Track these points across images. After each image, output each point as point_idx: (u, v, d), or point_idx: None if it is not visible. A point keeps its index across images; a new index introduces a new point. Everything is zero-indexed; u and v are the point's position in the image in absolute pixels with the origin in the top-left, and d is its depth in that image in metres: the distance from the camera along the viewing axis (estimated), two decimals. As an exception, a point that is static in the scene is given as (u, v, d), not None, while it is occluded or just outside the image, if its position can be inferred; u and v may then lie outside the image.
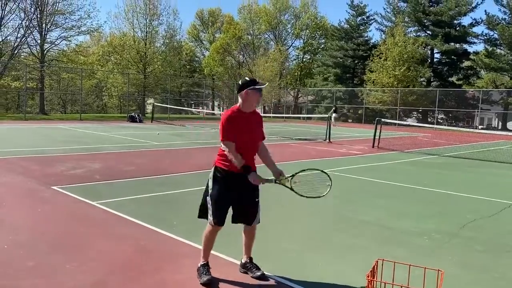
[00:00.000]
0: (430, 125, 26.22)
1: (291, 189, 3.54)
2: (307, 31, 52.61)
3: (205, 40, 61.52)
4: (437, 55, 42.24)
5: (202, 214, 3.62)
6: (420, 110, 38.69)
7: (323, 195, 3.52)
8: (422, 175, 9.79)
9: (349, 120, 41.34)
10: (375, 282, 2.37)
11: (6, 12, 30.43)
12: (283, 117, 38.56)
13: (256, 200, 3.62)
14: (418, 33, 41.94)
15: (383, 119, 17.71)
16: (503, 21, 36.99)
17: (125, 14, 38.34)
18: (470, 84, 41.24)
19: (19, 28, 31.32)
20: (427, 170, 10.54)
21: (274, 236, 4.72)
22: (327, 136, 17.12)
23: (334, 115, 31.83)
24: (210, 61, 51.99)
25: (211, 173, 3.59)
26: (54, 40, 33.78)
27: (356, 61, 44.84)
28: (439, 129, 28.92)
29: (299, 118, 39.48)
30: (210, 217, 3.51)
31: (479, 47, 66.13)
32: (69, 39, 34.43)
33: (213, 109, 57.08)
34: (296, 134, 21.14)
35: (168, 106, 32.73)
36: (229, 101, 50.88)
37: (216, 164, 3.56)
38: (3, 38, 31.93)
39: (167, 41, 40.91)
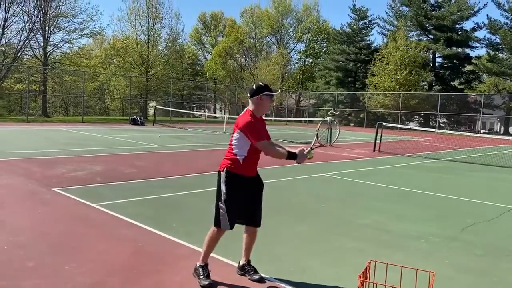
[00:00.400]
0: (432, 129, 26.19)
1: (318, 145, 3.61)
2: (309, 34, 52.68)
3: (207, 44, 61.69)
4: (439, 59, 42.28)
5: (217, 221, 3.54)
6: (422, 114, 38.67)
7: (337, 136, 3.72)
8: (423, 179, 9.79)
9: (351, 124, 41.34)
10: (367, 283, 2.39)
11: (9, 14, 30.60)
12: (284, 120, 38.59)
13: (262, 202, 3.71)
14: (420, 37, 41.96)
15: (384, 123, 17.72)
16: (505, 25, 37.00)
17: (127, 17, 38.52)
18: (472, 88, 41.23)
19: (22, 31, 31.48)
20: (428, 174, 10.54)
21: (272, 239, 4.74)
22: (328, 139, 17.13)
23: (329, 118, 31.87)
24: (212, 65, 52.09)
25: (223, 177, 3.53)
26: (57, 43, 33.95)
27: (358, 65, 44.87)
28: (440, 133, 28.89)
29: (300, 121, 39.51)
30: (224, 222, 3.47)
31: (481, 51, 66.15)
32: (72, 42, 34.59)
33: (215, 112, 57.09)
34: (297, 137, 21.16)
35: (170, 109, 32.76)
36: (231, 105, 50.97)
37: (228, 169, 3.53)
38: (7, 40, 32.10)
39: (170, 44, 41.04)
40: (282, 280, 3.63)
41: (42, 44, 32.65)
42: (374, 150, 15.20)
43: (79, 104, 44.71)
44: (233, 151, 3.53)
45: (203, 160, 11.09)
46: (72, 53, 35.96)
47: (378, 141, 15.45)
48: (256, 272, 3.64)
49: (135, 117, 27.95)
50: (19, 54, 32.76)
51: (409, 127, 30.16)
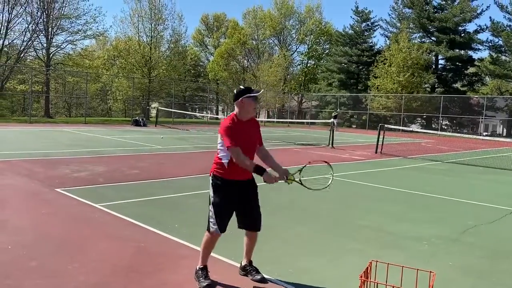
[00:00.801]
0: (434, 131, 26.20)
1: (301, 183, 3.55)
2: (312, 36, 52.74)
3: (209, 45, 61.85)
4: (441, 61, 42.28)
5: (208, 225, 3.59)
6: (424, 116, 38.65)
7: (328, 186, 3.58)
8: (424, 181, 9.79)
9: (353, 126, 41.33)
10: (368, 282, 2.40)
11: (13, 16, 30.76)
12: (286, 122, 38.60)
13: (258, 205, 3.67)
14: (423, 39, 41.99)
15: (387, 125, 17.72)
16: (508, 27, 36.97)
17: (130, 18, 38.66)
18: (475, 90, 41.19)
19: (25, 32, 31.65)
20: (430, 176, 10.54)
21: (273, 240, 4.75)
22: (330, 141, 17.14)
23: (334, 121, 31.90)
24: (214, 66, 52.21)
25: (210, 182, 3.61)
26: (60, 44, 34.09)
27: (360, 67, 44.89)
28: (443, 136, 28.87)
29: (302, 123, 39.51)
30: (212, 226, 3.50)
31: (484, 53, 66.05)
32: (74, 43, 34.75)
33: (217, 114, 57.15)
34: (299, 139, 21.17)
35: (172, 110, 32.86)
36: (233, 106, 50.97)
37: (214, 173, 3.57)
38: (10, 41, 32.26)
39: (172, 45, 41.15)
40: (282, 280, 3.65)
41: (45, 45, 32.80)
42: (376, 152, 15.20)
43: (81, 105, 44.83)
44: (219, 155, 3.55)
45: (205, 161, 11.11)
46: (75, 54, 36.09)
47: (380, 143, 15.45)
48: (258, 272, 3.65)
49: (137, 118, 28.02)
50: (22, 55, 32.92)
51: (411, 129, 30.16)
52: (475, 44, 40.23)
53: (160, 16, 38.45)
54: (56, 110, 45.47)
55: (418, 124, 41.12)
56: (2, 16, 30.34)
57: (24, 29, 31.60)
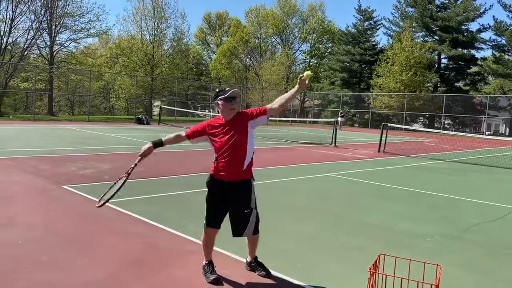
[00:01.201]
0: (437, 130, 26.22)
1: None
2: (314, 35, 52.70)
3: (212, 43, 61.86)
4: (444, 61, 42.19)
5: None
6: (427, 115, 38.62)
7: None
8: (427, 179, 9.84)
9: (356, 125, 41.34)
10: (377, 274, 2.47)
11: (16, 14, 30.87)
12: (289, 121, 38.65)
13: (246, 211, 3.56)
14: (426, 38, 41.90)
15: (389, 124, 17.75)
16: (511, 27, 36.88)
17: (133, 17, 38.74)
18: (478, 90, 41.11)
19: (29, 30, 31.76)
20: (433, 175, 10.58)
21: (279, 237, 4.82)
22: (333, 140, 17.19)
23: (340, 119, 31.97)
24: (217, 64, 52.23)
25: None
26: (63, 42, 34.21)
27: (363, 66, 44.86)
28: (445, 135, 28.88)
29: (305, 122, 39.55)
30: (204, 221, 3.63)
31: (487, 53, 65.85)
32: (78, 41, 34.86)
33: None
34: (302, 138, 21.22)
35: (175, 108, 32.92)
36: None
37: (210, 172, 3.68)
38: (14, 39, 32.38)
39: (175, 44, 41.21)
40: (288, 275, 3.71)
41: (48, 43, 32.91)
42: (379, 151, 15.24)
43: (84, 103, 44.98)
44: (213, 157, 3.66)
45: (207, 160, 11.15)
46: (78, 52, 36.21)
47: (383, 142, 15.49)
48: (263, 267, 3.73)
49: (140, 116, 28.12)
50: (25, 53, 33.04)
51: (414, 128, 30.17)
52: (478, 43, 40.14)
53: (163, 15, 38.54)
54: (59, 108, 45.63)
55: (420, 123, 41.09)
56: (6, 14, 30.49)
57: (28, 27, 31.75)
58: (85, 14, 33.64)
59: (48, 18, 32.00)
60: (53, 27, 32.44)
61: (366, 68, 44.41)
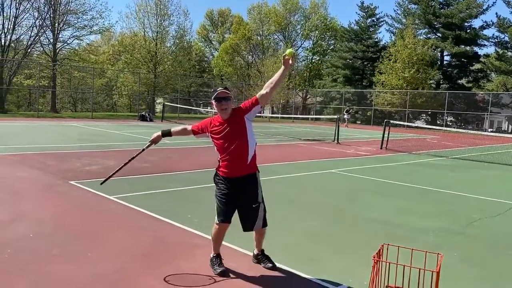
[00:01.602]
0: (439, 127, 26.22)
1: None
2: (317, 32, 52.69)
3: (214, 41, 61.89)
4: (447, 58, 42.17)
5: None
6: (429, 113, 38.63)
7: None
8: (430, 176, 9.91)
9: (358, 122, 41.37)
10: (380, 262, 2.56)
11: (20, 11, 30.98)
12: (291, 118, 38.71)
13: (254, 205, 3.66)
14: (428, 35, 41.85)
15: (391, 121, 17.81)
16: (514, 23, 36.80)
17: (136, 14, 38.80)
18: (480, 87, 41.08)
19: (32, 27, 31.88)
20: (435, 171, 10.66)
21: (283, 231, 4.91)
22: (336, 137, 17.26)
23: (346, 116, 32.05)
24: (219, 62, 52.30)
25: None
26: (66, 39, 34.33)
27: (365, 63, 44.85)
28: (448, 132, 28.90)
29: (307, 119, 39.61)
30: (215, 217, 3.70)
31: (490, 49, 65.82)
32: (81, 38, 34.98)
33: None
34: (304, 135, 21.30)
35: (178, 105, 33.04)
36: (238, 102, 51.16)
37: (216, 169, 3.78)
38: (17, 37, 32.51)
39: (177, 41, 41.27)
40: (293, 268, 3.81)
41: (51, 40, 33.04)
42: (381, 148, 15.31)
43: (87, 100, 45.13)
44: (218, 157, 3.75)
45: (211, 156, 11.23)
46: (80, 50, 36.32)
47: (385, 138, 15.56)
48: (269, 260, 3.82)
49: (143, 113, 28.25)
50: (29, 50, 33.16)
51: (416, 125, 30.19)
52: (481, 40, 40.07)
53: (165, 12, 38.61)
54: (62, 105, 45.78)
55: (423, 120, 41.10)
56: (10, 12, 30.60)
57: (31, 25, 31.89)
58: (88, 11, 33.80)
59: (51, 15, 32.12)
60: (56, 24, 32.56)
61: (369, 65, 44.40)
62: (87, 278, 3.42)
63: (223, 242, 3.89)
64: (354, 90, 42.71)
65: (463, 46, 39.67)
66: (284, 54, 3.55)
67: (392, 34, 44.91)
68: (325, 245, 4.55)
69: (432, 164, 12.08)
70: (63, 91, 44.18)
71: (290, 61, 3.53)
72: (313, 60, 54.49)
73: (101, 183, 4.04)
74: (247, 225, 3.70)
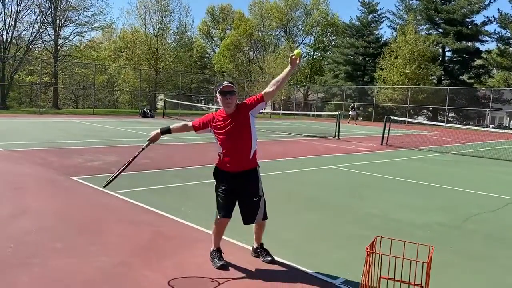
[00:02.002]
0: (440, 123, 26.25)
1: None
2: (318, 28, 52.57)
3: (215, 37, 61.81)
4: (448, 53, 42.07)
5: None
6: (431, 109, 38.59)
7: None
8: (429, 171, 9.96)
9: (359, 118, 41.37)
10: (374, 254, 2.62)
11: (21, 7, 30.98)
12: (292, 114, 38.72)
13: (255, 199, 3.74)
14: (430, 31, 41.76)
15: (392, 117, 17.83)
16: (516, 19, 36.68)
17: (137, 10, 38.80)
18: (482, 83, 40.99)
19: (34, 24, 31.88)
20: (434, 167, 10.70)
21: (283, 226, 4.97)
22: (336, 133, 17.30)
23: (352, 113, 32.06)
24: (220, 58, 52.24)
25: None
26: (67, 36, 34.34)
27: (366, 59, 44.79)
28: (448, 127, 28.91)
29: (308, 115, 39.62)
30: (216, 212, 3.76)
31: (491, 45, 65.52)
32: (82, 35, 34.98)
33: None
34: (305, 131, 21.34)
35: (179, 102, 33.06)
36: (239, 98, 51.08)
37: (215, 164, 3.83)
38: (19, 33, 32.52)
39: (178, 37, 41.25)
40: (292, 262, 3.87)
41: (53, 37, 33.04)
42: (382, 144, 15.35)
43: (88, 96, 45.20)
44: (217, 150, 3.79)
45: (212, 152, 11.31)
46: (82, 46, 36.34)
47: (386, 134, 15.59)
48: (268, 254, 3.88)
49: (145, 109, 28.29)
50: (30, 46, 33.20)
51: (417, 121, 30.19)
52: (482, 36, 39.95)
53: (166, 8, 38.55)
54: (63, 102, 45.85)
55: (424, 116, 41.06)
56: (11, 8, 30.61)
57: (33, 21, 31.86)
58: (89, 7, 33.77)
59: (53, 11, 32.11)
60: (58, 20, 32.55)
61: (370, 61, 44.35)
62: (89, 271, 3.49)
63: (223, 237, 3.95)
64: (355, 86, 42.68)
65: (464, 42, 39.57)
66: (292, 54, 3.62)
67: (393, 30, 44.86)
68: (324, 240, 4.61)
69: (432, 160, 12.12)
70: (64, 88, 44.24)
71: (298, 61, 3.61)
72: (314, 56, 54.42)
73: (104, 186, 4.00)
74: (249, 219, 3.76)
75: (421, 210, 6.10)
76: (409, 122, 28.60)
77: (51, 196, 5.92)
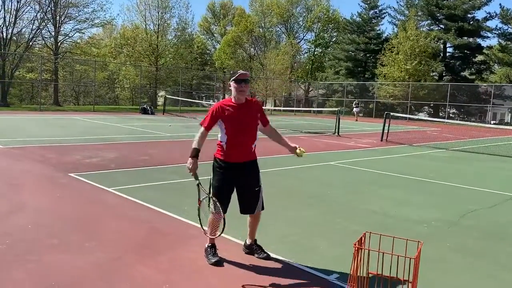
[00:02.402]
0: (441, 120, 26.20)
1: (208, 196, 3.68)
2: (319, 24, 52.45)
3: (216, 33, 61.68)
4: (449, 49, 41.92)
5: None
6: (432, 105, 38.50)
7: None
8: (428, 168, 9.94)
9: (360, 114, 41.29)
10: (362, 250, 2.62)
11: (21, 4, 30.96)
12: (293, 110, 38.69)
13: (256, 189, 3.79)
14: (431, 27, 41.61)
15: (393, 113, 17.80)
16: (517, 15, 36.51)
17: (137, 6, 38.74)
18: (483, 79, 40.86)
19: (34, 20, 31.86)
20: (434, 163, 10.68)
21: (280, 221, 4.97)
22: (336, 129, 17.28)
23: (355, 109, 32.04)
24: (221, 54, 52.16)
25: (212, 165, 3.85)
26: (68, 32, 34.32)
27: (367, 55, 44.69)
28: (449, 124, 28.85)
29: (309, 111, 39.57)
30: (212, 206, 3.69)
31: (493, 41, 65.28)
32: (82, 31, 34.95)
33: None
34: (305, 128, 21.32)
35: (180, 98, 33.07)
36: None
37: (215, 155, 3.81)
38: (19, 30, 32.51)
39: (179, 33, 41.19)
40: (287, 258, 3.86)
41: (53, 33, 33.02)
42: (381, 140, 15.33)
43: (89, 93, 45.19)
44: (219, 138, 3.77)
45: (211, 148, 11.32)
46: (82, 43, 36.31)
47: (386, 131, 15.57)
48: (263, 250, 3.88)
49: (145, 106, 28.30)
50: (30, 43, 33.18)
51: (418, 117, 30.13)
52: (484, 31, 39.80)
53: (167, 4, 38.50)
54: (64, 98, 45.86)
55: (425, 112, 40.98)
56: (11, 5, 30.59)
57: (33, 18, 31.85)
58: (89, 4, 33.72)
59: (53, 8, 32.07)
60: (58, 17, 32.52)
61: (371, 57, 44.24)
62: (84, 267, 3.49)
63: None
64: (356, 82, 42.59)
65: (466, 38, 39.43)
66: (298, 152, 4.06)
67: (394, 26, 44.73)
68: (321, 236, 4.61)
69: (432, 156, 12.10)
70: (65, 85, 44.22)
71: (295, 155, 3.98)
72: (315, 53, 54.30)
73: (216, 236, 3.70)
74: (249, 208, 3.79)
75: (418, 206, 6.09)
76: (410, 119, 28.56)
77: (48, 192, 5.93)
